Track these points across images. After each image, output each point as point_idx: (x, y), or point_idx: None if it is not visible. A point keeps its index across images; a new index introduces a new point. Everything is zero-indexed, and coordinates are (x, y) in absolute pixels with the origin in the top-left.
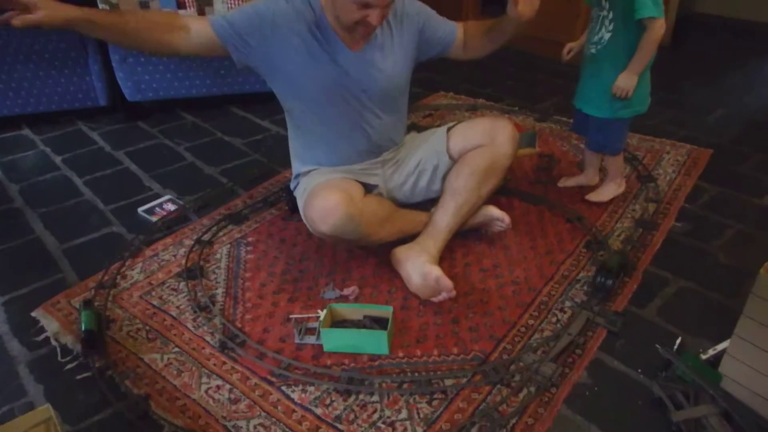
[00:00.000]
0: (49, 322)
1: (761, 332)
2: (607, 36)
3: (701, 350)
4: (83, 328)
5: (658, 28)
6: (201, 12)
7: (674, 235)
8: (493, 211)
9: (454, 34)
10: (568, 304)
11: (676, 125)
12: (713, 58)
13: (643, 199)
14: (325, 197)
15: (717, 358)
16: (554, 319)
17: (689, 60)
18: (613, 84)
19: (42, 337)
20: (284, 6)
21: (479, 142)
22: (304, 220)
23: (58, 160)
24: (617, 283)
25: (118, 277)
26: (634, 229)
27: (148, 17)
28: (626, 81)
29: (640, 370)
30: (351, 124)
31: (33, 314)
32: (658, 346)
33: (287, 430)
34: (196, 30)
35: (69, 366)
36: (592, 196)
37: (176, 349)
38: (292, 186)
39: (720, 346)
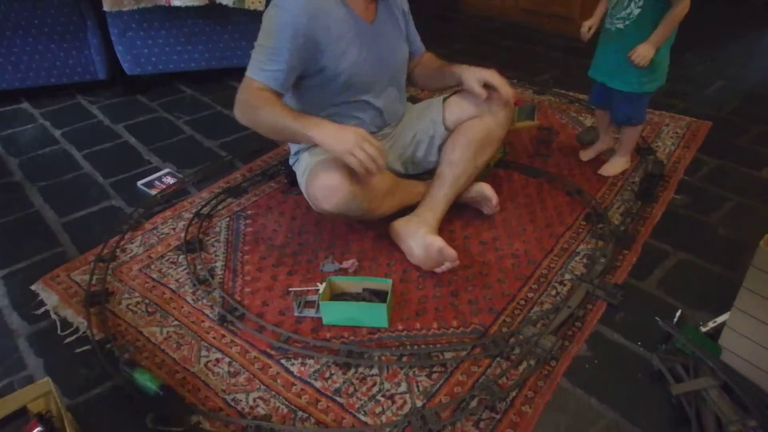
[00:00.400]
0: (48, 296)
1: (761, 305)
2: (637, 11)
3: (701, 323)
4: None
5: (685, 6)
6: None
7: (674, 208)
8: (486, 190)
9: (420, 50)
10: (567, 276)
11: (675, 98)
12: (713, 30)
13: (643, 172)
14: (327, 176)
15: (717, 331)
16: (554, 292)
17: (688, 32)
18: (633, 51)
19: (42, 310)
20: (290, 11)
21: (475, 113)
22: (307, 198)
23: (57, 133)
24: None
25: (118, 250)
26: (634, 201)
27: (270, 110)
28: (646, 50)
29: (639, 343)
30: (364, 100)
31: (32, 288)
32: (657, 318)
33: (286, 403)
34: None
35: (68, 339)
36: (606, 170)
37: (175, 323)
38: (291, 162)
39: (720, 319)
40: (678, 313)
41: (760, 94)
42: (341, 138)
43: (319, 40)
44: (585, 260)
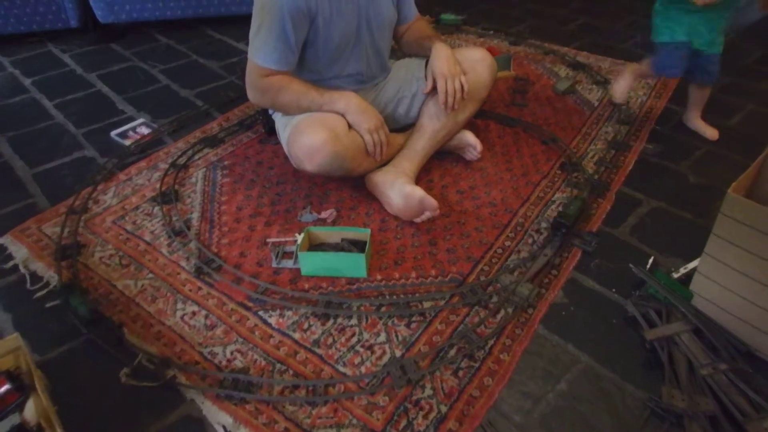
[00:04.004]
0: (17, 249)
1: (730, 250)
2: None
3: (673, 269)
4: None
5: None
6: None
7: (646, 156)
8: (469, 137)
9: (410, 17)
10: (544, 225)
11: (646, 48)
12: None
13: (615, 122)
14: (310, 135)
15: (688, 277)
16: (530, 240)
17: None
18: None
19: (10, 264)
20: None
21: None
22: (288, 156)
23: (27, 82)
24: (574, 228)
25: (90, 201)
26: (607, 150)
27: (290, 91)
28: None
29: (614, 290)
30: (352, 59)
31: (1, 241)
32: (631, 265)
33: (264, 355)
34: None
35: (38, 294)
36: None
37: (150, 275)
38: (270, 110)
39: (691, 265)
40: (651, 260)
41: (728, 45)
42: (368, 115)
43: (314, 15)
44: (561, 208)
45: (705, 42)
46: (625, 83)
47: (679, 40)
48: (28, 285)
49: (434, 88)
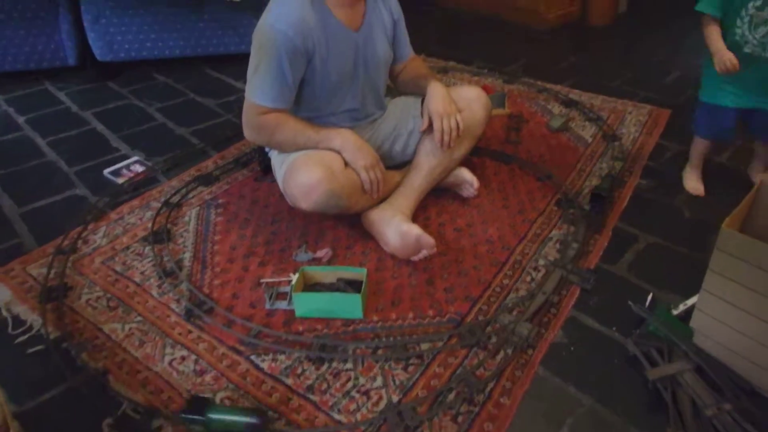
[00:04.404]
0: (0, 291)
1: (727, 286)
2: None
3: (672, 305)
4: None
5: None
6: None
7: (640, 192)
8: (465, 174)
9: (406, 57)
10: (541, 262)
11: (635, 86)
12: (667, 21)
13: (609, 158)
14: (306, 173)
15: (688, 313)
16: (528, 278)
17: (646, 25)
18: None
19: None
20: (285, 32)
21: None
22: (284, 194)
23: (21, 120)
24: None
25: (79, 241)
26: (602, 188)
27: (286, 129)
28: None
29: (614, 328)
30: (348, 96)
31: None
32: (630, 303)
33: (256, 402)
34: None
35: (20, 339)
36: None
37: (139, 318)
38: (266, 148)
39: (690, 301)
40: (650, 297)
41: None
42: (364, 153)
43: (311, 54)
44: (558, 245)
45: (760, 100)
46: (691, 176)
47: (722, 104)
48: (10, 329)
49: (430, 126)
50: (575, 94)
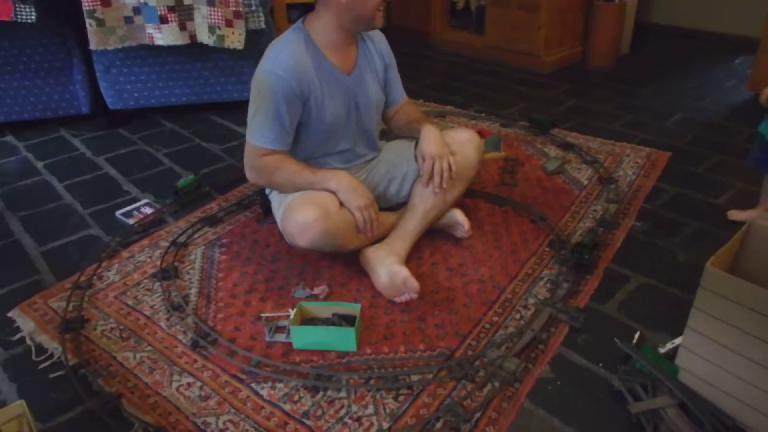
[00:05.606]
0: (25, 322)
1: (711, 324)
2: None
3: (659, 344)
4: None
5: None
6: (182, 26)
7: (634, 234)
8: (458, 215)
9: (398, 101)
10: (531, 300)
11: (635, 129)
12: (669, 65)
13: (604, 200)
14: (302, 213)
15: (675, 352)
16: (518, 316)
17: (646, 67)
18: None
19: (17, 336)
20: (281, 77)
21: None
22: (282, 232)
23: (39, 165)
24: (591, 258)
25: (95, 278)
26: (596, 228)
27: (285, 170)
28: None
29: (601, 364)
30: (342, 138)
31: (9, 314)
32: (617, 340)
33: (255, 425)
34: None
35: (43, 365)
36: (737, 215)
37: (149, 348)
38: (267, 191)
39: (677, 340)
40: (637, 335)
41: (716, 125)
42: (358, 193)
43: (306, 97)
44: (548, 285)
45: None
46: (746, 215)
47: None
48: (34, 356)
49: None
50: (572, 137)
